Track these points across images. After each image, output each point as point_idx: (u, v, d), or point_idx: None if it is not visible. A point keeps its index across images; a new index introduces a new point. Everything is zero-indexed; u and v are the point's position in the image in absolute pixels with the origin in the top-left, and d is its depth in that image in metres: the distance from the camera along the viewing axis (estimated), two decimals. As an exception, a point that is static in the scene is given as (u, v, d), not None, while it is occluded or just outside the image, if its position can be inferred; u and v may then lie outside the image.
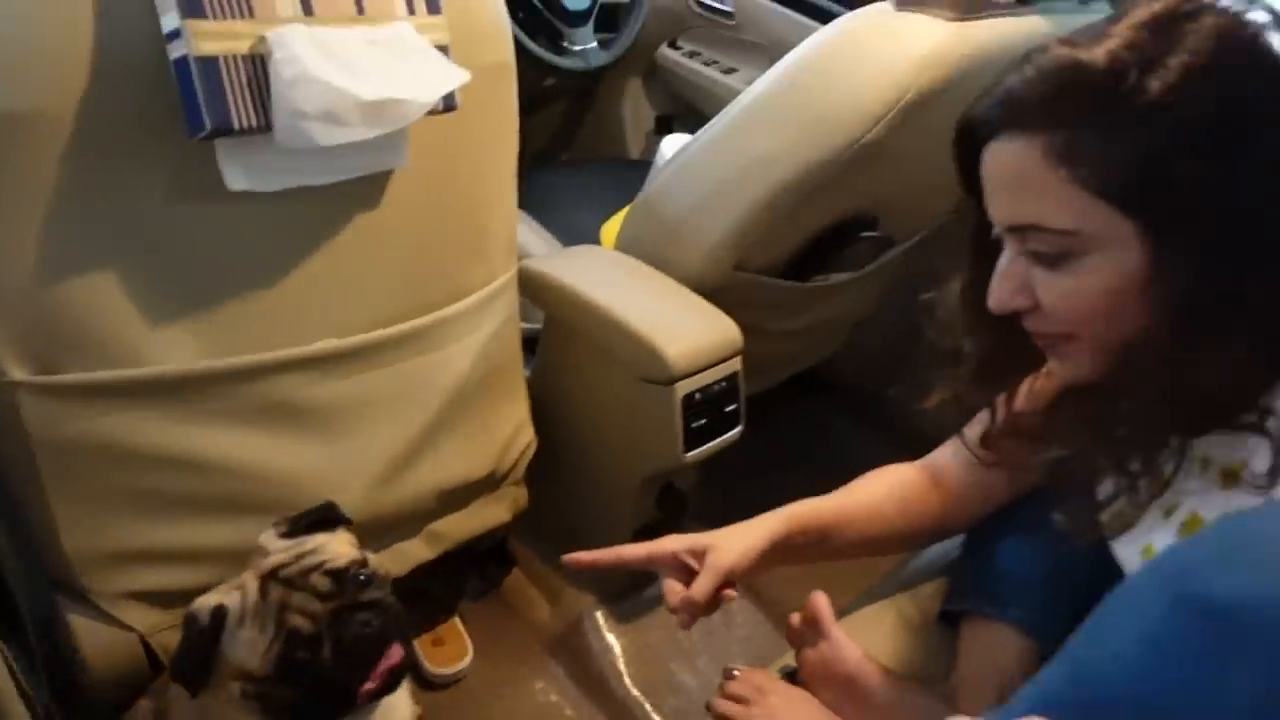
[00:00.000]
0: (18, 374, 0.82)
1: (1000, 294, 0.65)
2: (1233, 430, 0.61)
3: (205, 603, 0.80)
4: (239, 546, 0.96)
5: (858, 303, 1.52)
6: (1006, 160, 0.62)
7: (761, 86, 1.15)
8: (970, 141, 0.65)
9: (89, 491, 0.88)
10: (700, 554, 0.81)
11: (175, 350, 0.88)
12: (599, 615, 1.33)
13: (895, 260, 1.43)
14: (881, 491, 0.90)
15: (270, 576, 0.80)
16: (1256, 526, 0.50)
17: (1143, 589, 0.52)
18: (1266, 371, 0.59)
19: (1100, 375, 0.66)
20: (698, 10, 1.93)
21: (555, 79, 1.86)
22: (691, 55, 1.97)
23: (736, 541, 0.81)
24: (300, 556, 0.81)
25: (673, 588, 0.80)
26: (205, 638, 0.78)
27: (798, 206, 1.15)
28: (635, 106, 2.10)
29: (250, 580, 0.80)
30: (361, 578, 0.81)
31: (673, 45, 1.99)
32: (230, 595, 0.80)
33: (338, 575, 0.80)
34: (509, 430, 1.20)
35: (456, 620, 1.32)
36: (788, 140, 1.11)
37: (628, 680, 1.28)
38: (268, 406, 0.94)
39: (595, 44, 1.68)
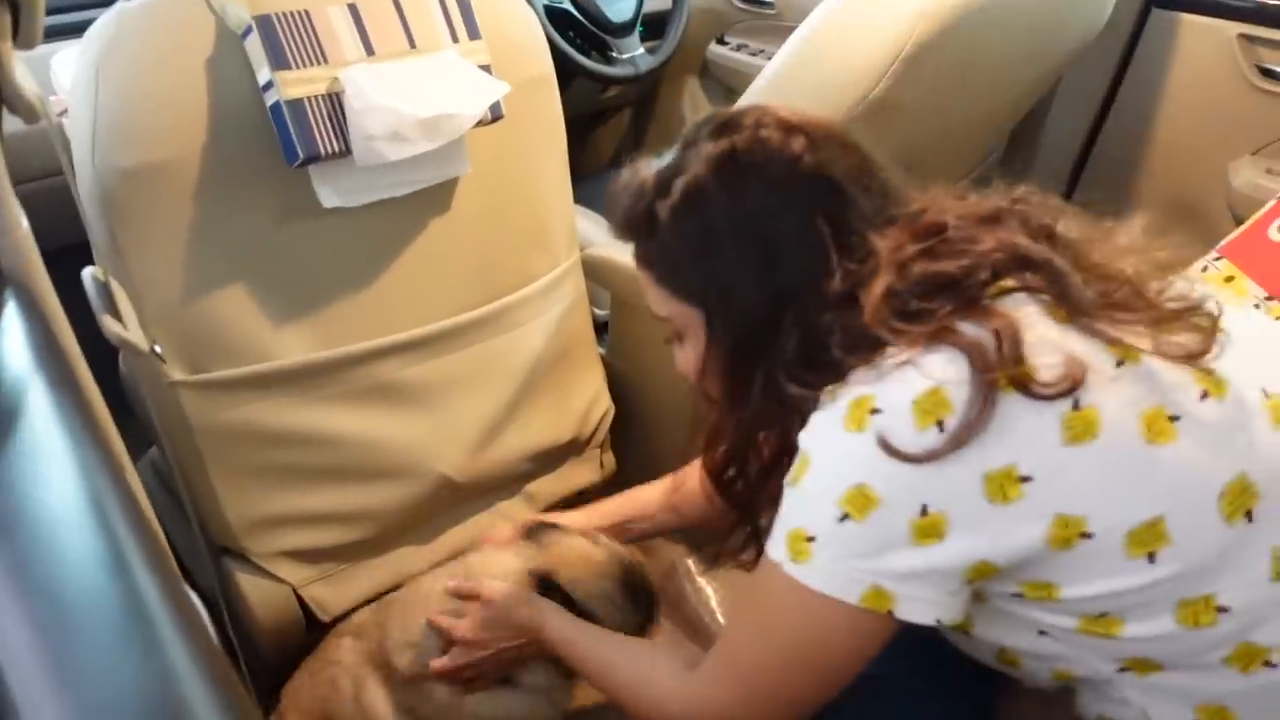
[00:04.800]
0: (178, 374, 1.02)
1: (678, 363, 0.82)
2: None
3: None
4: (365, 509, 1.15)
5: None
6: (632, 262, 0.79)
7: (776, 61, 1.26)
8: None
9: (242, 467, 1.08)
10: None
11: (294, 345, 1.07)
12: (689, 563, 1.45)
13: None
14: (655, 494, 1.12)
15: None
16: None
17: None
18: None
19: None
20: (739, 5, 2.05)
21: (613, 89, 2.02)
22: (739, 49, 2.09)
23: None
24: None
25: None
26: None
27: (824, 167, 1.25)
28: (695, 104, 2.23)
29: None
30: None
31: (720, 41, 2.11)
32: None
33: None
34: (586, 399, 1.35)
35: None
36: (802, 108, 1.21)
37: (720, 618, 1.39)
38: (373, 387, 1.12)
39: (642, 50, 1.82)
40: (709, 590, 1.43)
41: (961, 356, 0.62)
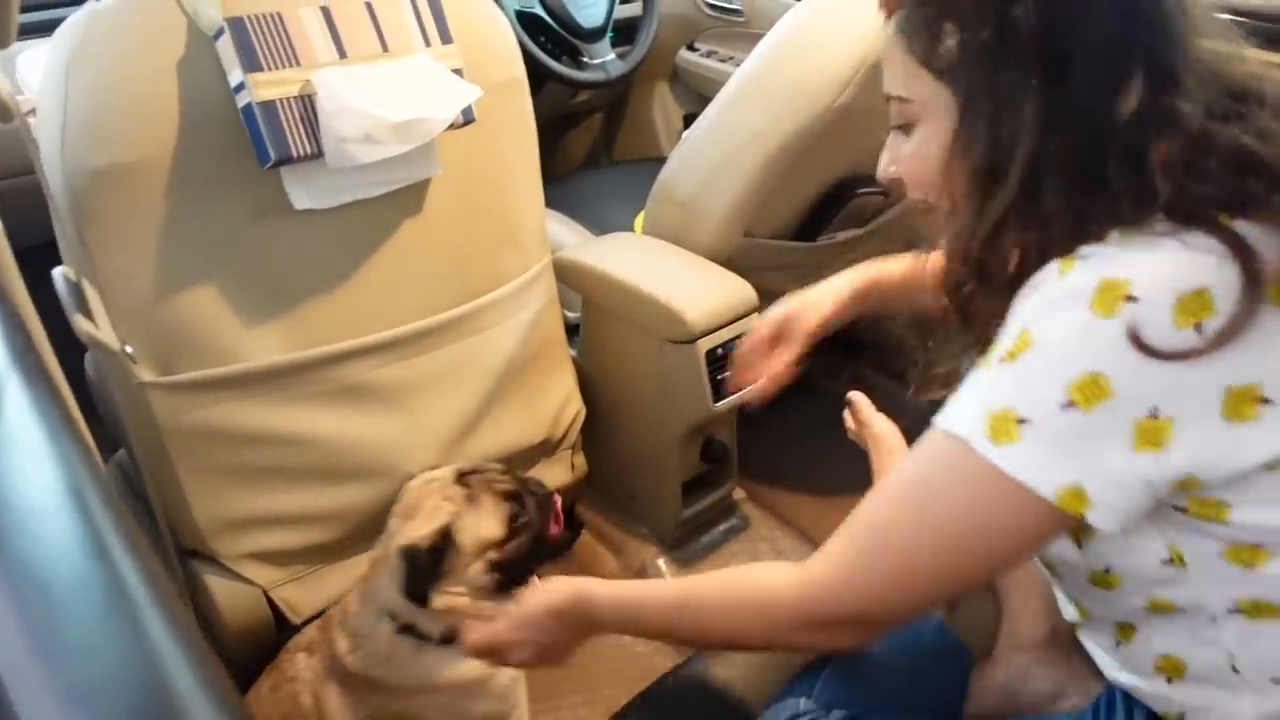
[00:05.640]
0: (147, 376, 1.02)
1: (881, 164, 0.74)
2: None
3: (415, 538, 0.98)
4: (336, 510, 1.15)
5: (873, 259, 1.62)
6: (885, 36, 0.70)
7: (746, 68, 1.28)
8: None
9: (211, 468, 1.07)
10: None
11: (265, 347, 1.07)
12: (661, 563, 1.47)
13: (903, 214, 1.53)
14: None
15: (460, 478, 1.04)
16: None
17: None
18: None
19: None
20: (709, 12, 2.08)
21: (583, 93, 2.03)
22: (709, 55, 2.12)
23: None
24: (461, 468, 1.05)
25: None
26: (437, 554, 0.98)
27: (791, 172, 1.28)
28: (664, 108, 2.26)
29: (446, 493, 1.02)
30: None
31: (690, 48, 2.13)
32: (433, 520, 0.99)
33: (500, 462, 1.08)
34: (558, 400, 1.36)
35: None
36: (771, 114, 1.24)
37: (690, 617, 1.41)
38: (345, 388, 1.12)
39: (613, 56, 1.84)
40: (679, 590, 1.44)
41: (1235, 260, 0.58)
